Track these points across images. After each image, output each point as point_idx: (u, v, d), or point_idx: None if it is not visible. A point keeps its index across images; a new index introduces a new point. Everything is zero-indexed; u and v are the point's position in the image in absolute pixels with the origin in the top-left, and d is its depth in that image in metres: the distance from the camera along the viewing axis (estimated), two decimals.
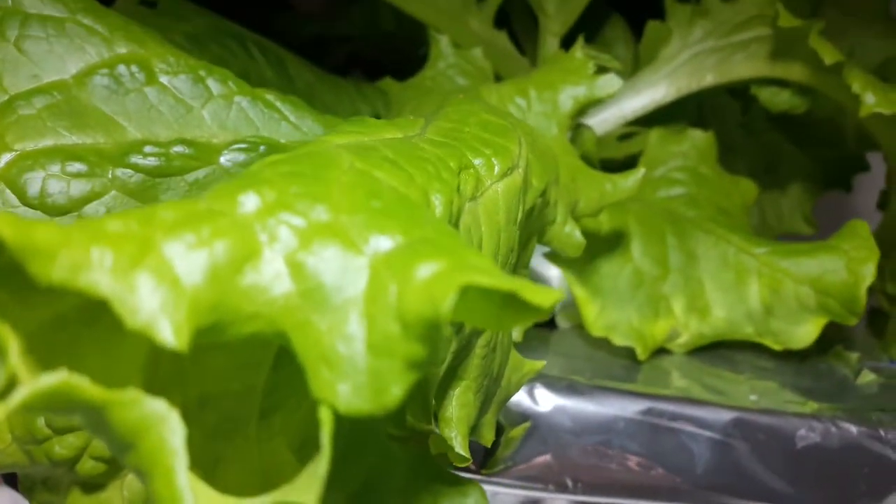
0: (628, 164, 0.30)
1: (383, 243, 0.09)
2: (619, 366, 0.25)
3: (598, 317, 0.25)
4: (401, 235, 0.09)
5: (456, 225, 0.13)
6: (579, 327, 0.27)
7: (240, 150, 0.18)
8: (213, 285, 0.09)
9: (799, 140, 0.34)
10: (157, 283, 0.08)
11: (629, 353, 0.25)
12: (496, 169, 0.15)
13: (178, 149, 0.17)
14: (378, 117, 0.29)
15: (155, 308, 0.08)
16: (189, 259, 0.09)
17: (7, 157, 0.16)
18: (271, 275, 0.09)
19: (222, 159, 0.17)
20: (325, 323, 0.09)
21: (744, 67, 0.29)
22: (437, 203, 0.12)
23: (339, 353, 0.09)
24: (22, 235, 0.07)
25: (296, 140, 0.19)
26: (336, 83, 0.29)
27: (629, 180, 0.22)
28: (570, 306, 0.27)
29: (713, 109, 0.35)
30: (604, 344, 0.25)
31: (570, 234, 0.20)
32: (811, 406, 0.21)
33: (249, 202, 0.10)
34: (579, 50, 0.24)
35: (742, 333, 0.25)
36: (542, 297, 0.09)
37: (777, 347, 0.25)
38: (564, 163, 0.21)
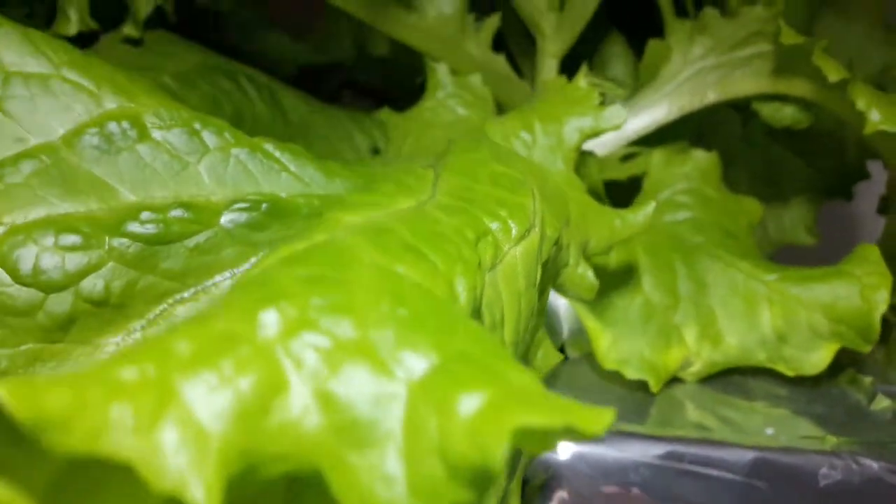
0: (631, 185, 0.30)
1: (417, 365, 0.09)
2: (633, 399, 0.24)
3: (610, 349, 0.24)
4: (434, 352, 0.09)
5: (479, 304, 0.12)
6: (589, 356, 0.26)
7: (241, 209, 0.17)
8: (241, 430, 0.08)
9: (800, 151, 0.34)
10: (182, 437, 0.07)
11: (642, 384, 0.25)
12: (513, 232, 0.14)
13: (176, 213, 0.16)
14: (376, 149, 0.28)
15: (182, 467, 0.07)
16: (212, 403, 0.08)
17: None
18: (300, 409, 0.08)
19: (223, 220, 0.17)
20: (363, 461, 0.08)
21: (746, 84, 0.29)
22: (462, 290, 0.11)
23: (379, 496, 0.08)
24: (32, 406, 0.07)
25: (297, 192, 0.18)
26: (330, 114, 0.28)
27: (639, 215, 0.21)
28: (580, 335, 0.27)
29: (712, 122, 0.34)
30: (615, 374, 0.25)
31: (583, 275, 0.20)
32: (830, 441, 0.21)
33: (270, 321, 0.09)
34: (583, 78, 0.23)
35: (754, 360, 0.25)
36: (596, 425, 0.08)
37: (789, 373, 0.25)
38: (573, 199, 0.21)
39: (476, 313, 0.12)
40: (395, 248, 0.11)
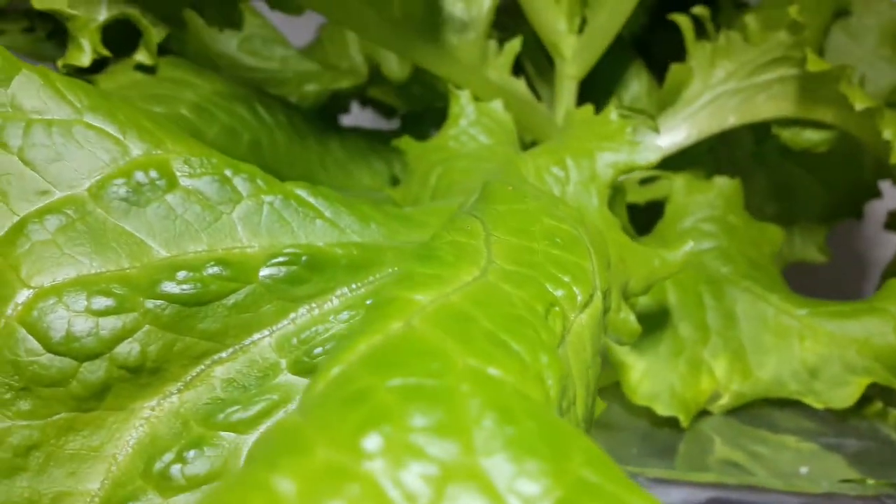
0: (651, 209, 0.29)
1: (539, 500, 0.08)
2: (660, 435, 0.24)
3: (639, 385, 0.24)
4: (554, 483, 0.08)
5: (564, 392, 0.12)
6: (615, 386, 0.26)
7: (280, 263, 0.16)
8: None
9: (814, 169, 0.34)
10: None
11: (669, 418, 0.24)
12: (578, 299, 0.14)
13: (212, 270, 0.15)
14: (395, 178, 0.27)
15: None
16: None
17: (24, 295, 0.14)
18: None
19: (261, 276, 0.16)
20: None
21: (767, 108, 0.28)
22: (551, 383, 0.11)
23: None
24: None
25: (334, 241, 0.17)
26: (347, 138, 0.27)
27: (678, 255, 0.21)
28: (604, 366, 0.26)
29: (725, 139, 0.34)
30: (643, 407, 0.25)
31: (625, 320, 0.19)
32: (870, 485, 0.20)
33: (374, 449, 0.08)
34: (614, 111, 0.23)
35: (784, 392, 0.25)
36: None
37: (818, 406, 0.24)
38: (611, 240, 0.20)
39: (561, 405, 0.11)
40: (480, 342, 0.10)
